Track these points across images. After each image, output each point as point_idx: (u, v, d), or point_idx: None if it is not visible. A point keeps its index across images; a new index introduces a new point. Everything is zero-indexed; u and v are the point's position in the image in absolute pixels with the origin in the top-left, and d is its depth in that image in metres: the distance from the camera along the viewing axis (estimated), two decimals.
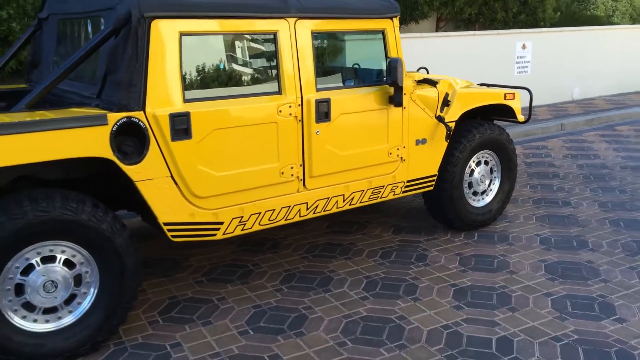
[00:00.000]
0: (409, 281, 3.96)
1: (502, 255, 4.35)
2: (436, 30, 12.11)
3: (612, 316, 3.42)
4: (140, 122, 3.08)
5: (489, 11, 11.16)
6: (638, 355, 3.03)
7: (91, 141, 2.94)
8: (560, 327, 3.32)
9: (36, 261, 2.94)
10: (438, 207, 4.69)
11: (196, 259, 4.37)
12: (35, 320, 2.99)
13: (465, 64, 9.91)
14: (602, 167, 6.93)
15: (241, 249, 4.55)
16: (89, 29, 3.61)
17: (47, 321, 3.03)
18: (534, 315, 3.46)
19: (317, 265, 4.24)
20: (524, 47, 11.18)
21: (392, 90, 4.01)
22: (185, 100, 3.23)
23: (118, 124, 3.01)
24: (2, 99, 4.18)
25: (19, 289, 2.93)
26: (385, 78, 3.97)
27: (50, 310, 3.03)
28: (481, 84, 5.18)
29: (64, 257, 3.01)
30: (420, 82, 4.35)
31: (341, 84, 4.10)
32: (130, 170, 3.09)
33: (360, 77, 4.26)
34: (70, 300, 3.08)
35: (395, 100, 3.96)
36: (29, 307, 2.97)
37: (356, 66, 4.37)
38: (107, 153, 3.00)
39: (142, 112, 3.08)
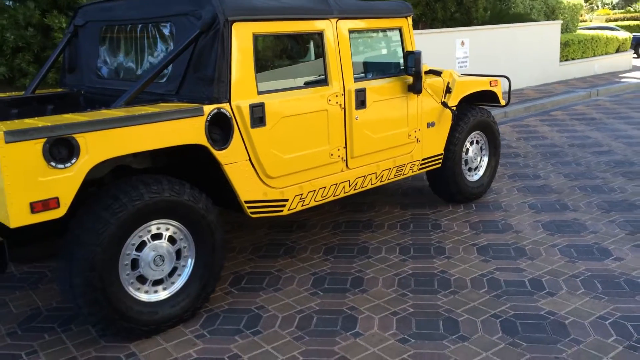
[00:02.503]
0: (435, 245, 4.58)
1: (502, 220, 5.07)
2: None
3: (611, 257, 4.20)
4: (227, 113, 3.51)
5: (430, 11, 12.06)
6: (637, 277, 3.80)
7: (190, 130, 3.35)
8: (574, 267, 4.05)
9: (147, 238, 3.31)
10: (442, 183, 5.36)
11: (241, 241, 4.80)
12: (146, 292, 3.36)
13: None
14: (553, 146, 7.89)
15: (275, 229, 5.02)
16: (153, 33, 3.96)
17: (156, 292, 3.40)
18: (550, 261, 4.18)
19: (350, 239, 4.78)
20: (462, 44, 12.18)
21: (411, 79, 4.62)
22: (259, 93, 3.68)
23: (211, 114, 3.42)
24: (49, 102, 4.43)
25: (134, 264, 3.28)
26: (407, 69, 4.56)
27: (157, 282, 3.40)
28: (464, 74, 5.90)
29: (168, 233, 3.39)
30: (427, 72, 4.99)
31: (370, 75, 4.66)
32: (219, 155, 3.51)
33: (382, 68, 4.84)
34: (172, 272, 3.46)
35: (416, 88, 4.57)
36: (141, 279, 3.34)
37: (379, 59, 4.95)
38: (203, 140, 3.41)
39: (228, 104, 3.52)
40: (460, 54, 12.03)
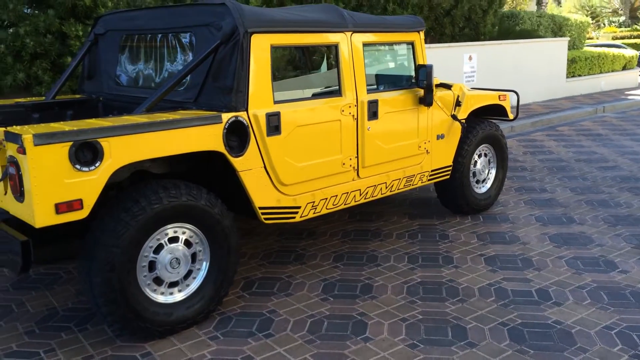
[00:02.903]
0: (443, 254, 4.66)
1: (510, 231, 5.15)
2: None
3: (617, 269, 4.27)
4: (244, 121, 3.61)
5: (439, 26, 12.20)
6: None
7: (209, 137, 3.45)
8: (580, 279, 4.12)
9: (164, 241, 3.40)
10: (450, 194, 5.44)
11: (251, 247, 4.89)
12: (162, 293, 3.44)
13: None
14: (559, 160, 7.97)
15: (285, 237, 5.11)
16: (173, 43, 4.08)
17: (171, 293, 3.48)
18: (557, 272, 4.25)
19: (359, 247, 4.86)
20: (470, 58, 12.31)
21: (421, 92, 4.72)
22: (275, 102, 3.79)
23: (229, 122, 3.53)
24: (68, 108, 4.55)
25: (151, 266, 3.37)
26: (419, 81, 4.66)
27: (173, 284, 3.49)
28: (473, 88, 6.00)
29: (184, 237, 3.48)
30: (438, 85, 5.09)
31: (382, 87, 4.77)
32: (236, 161, 3.61)
33: (394, 81, 4.94)
34: (187, 275, 3.55)
35: (427, 100, 4.67)
36: (158, 281, 3.42)
37: (391, 71, 5.06)
38: (220, 147, 3.51)
39: (245, 112, 3.62)
40: (468, 69, 12.15)
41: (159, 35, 4.21)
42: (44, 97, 4.61)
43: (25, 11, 6.64)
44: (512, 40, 13.22)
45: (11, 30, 6.47)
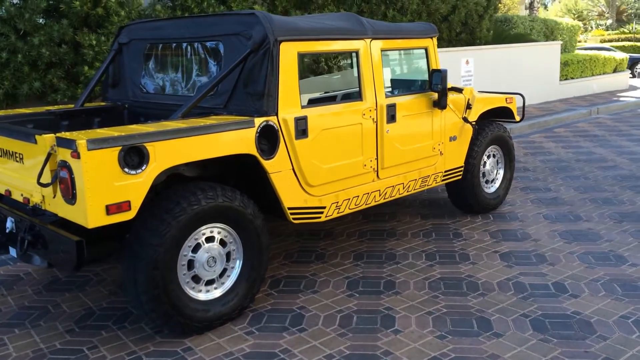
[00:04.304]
0: (459, 252, 4.83)
1: (520, 229, 5.34)
2: None
3: (627, 263, 4.47)
4: (274, 125, 3.77)
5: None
6: None
7: (243, 141, 3.61)
8: (593, 272, 4.31)
9: (202, 241, 3.55)
10: (461, 194, 5.62)
11: (273, 248, 5.04)
12: (200, 291, 3.59)
13: None
14: (560, 161, 8.19)
15: (303, 237, 5.27)
16: (199, 52, 4.23)
17: (208, 291, 3.63)
18: (570, 266, 4.43)
19: (377, 246, 5.03)
20: (467, 62, 12.54)
21: (435, 95, 4.91)
22: (302, 107, 3.96)
23: (261, 126, 3.69)
24: (96, 115, 4.69)
25: (190, 265, 3.52)
26: (433, 85, 4.84)
27: (209, 282, 3.64)
28: (480, 92, 6.19)
29: (219, 237, 3.64)
30: (450, 89, 5.28)
31: (399, 91, 4.95)
32: (267, 164, 3.77)
33: (409, 85, 5.12)
34: (222, 273, 3.70)
35: (441, 103, 4.86)
36: (195, 279, 3.57)
37: (407, 76, 5.24)
38: (253, 150, 3.67)
39: (275, 117, 3.78)
40: (465, 72, 12.38)
41: (185, 44, 4.36)
42: (72, 105, 4.75)
43: (40, 21, 6.76)
44: (506, 45, 13.48)
45: (27, 39, 6.59)
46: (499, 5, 17.85)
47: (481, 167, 5.71)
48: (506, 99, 5.88)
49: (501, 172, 5.97)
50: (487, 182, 5.82)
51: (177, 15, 7.68)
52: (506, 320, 3.63)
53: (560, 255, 4.66)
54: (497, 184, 5.94)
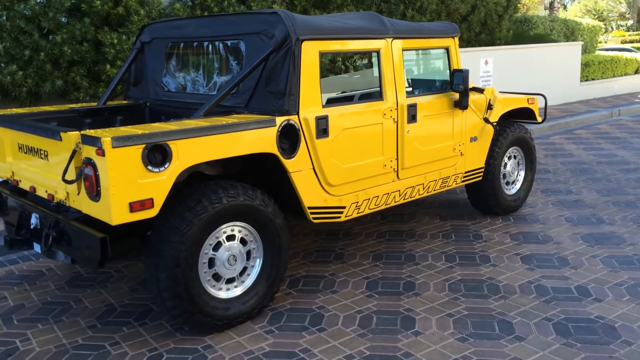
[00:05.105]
0: (479, 253, 4.79)
1: (541, 231, 5.28)
2: None
3: None
4: (295, 124, 3.77)
5: None
6: None
7: (264, 140, 3.61)
8: (617, 276, 4.25)
9: (222, 239, 3.56)
10: (482, 196, 5.58)
11: (291, 247, 5.04)
12: (220, 289, 3.60)
13: None
14: (581, 163, 8.09)
15: (321, 237, 5.26)
16: (221, 50, 4.24)
17: (228, 289, 3.64)
18: (593, 270, 4.38)
19: (396, 247, 5.00)
20: (486, 62, 12.45)
21: (456, 95, 4.87)
22: (323, 106, 3.95)
23: (282, 125, 3.69)
24: (118, 113, 4.72)
25: (210, 263, 3.53)
26: (454, 85, 4.81)
27: (229, 281, 3.64)
28: (501, 92, 6.14)
29: (240, 235, 3.64)
30: (471, 89, 5.24)
31: (419, 91, 4.92)
32: (288, 163, 3.77)
33: (430, 85, 5.09)
34: (242, 272, 3.70)
35: (463, 104, 4.82)
36: (216, 277, 3.58)
37: (427, 76, 5.21)
38: (274, 149, 3.67)
39: (296, 116, 3.78)
40: (483, 73, 12.29)
41: (206, 43, 4.37)
42: (95, 103, 4.79)
43: (63, 20, 6.83)
44: (526, 45, 13.36)
45: (50, 37, 6.66)
46: (518, 5, 17.71)
47: (502, 168, 5.65)
48: (528, 99, 5.82)
49: (522, 173, 5.91)
50: (507, 183, 5.77)
51: (196, 14, 7.71)
52: (528, 324, 3.59)
53: (582, 259, 4.60)
54: (518, 185, 5.88)
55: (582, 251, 4.77)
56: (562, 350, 3.28)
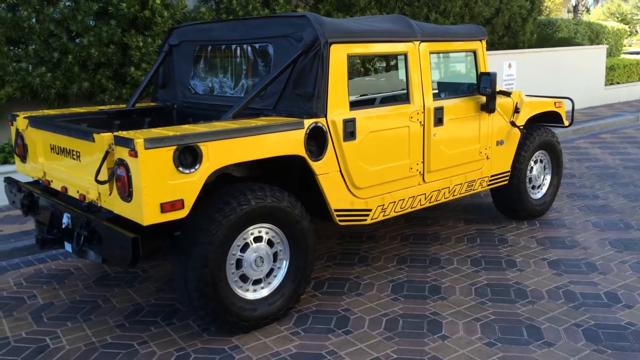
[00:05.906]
0: (505, 258, 4.76)
1: (568, 236, 5.22)
2: None
3: None
4: (323, 127, 3.78)
5: None
6: None
7: (292, 142, 3.62)
8: None
9: (250, 240, 3.58)
10: (508, 200, 5.53)
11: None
12: (247, 290, 3.61)
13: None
14: (607, 167, 7.98)
15: (345, 240, 5.26)
16: (249, 53, 4.27)
17: (255, 290, 3.65)
18: (622, 276, 4.32)
19: (421, 250, 4.98)
20: (509, 66, 12.35)
21: (483, 99, 4.84)
22: (351, 109, 3.95)
23: (310, 128, 3.70)
24: (146, 115, 4.78)
25: (238, 264, 3.55)
26: (481, 89, 4.78)
27: (256, 282, 3.66)
28: (528, 95, 6.09)
29: (267, 237, 3.66)
30: (498, 93, 5.20)
31: (446, 94, 4.90)
32: (315, 165, 3.78)
33: (457, 88, 5.07)
34: (269, 273, 3.72)
35: (490, 107, 4.79)
36: (243, 278, 3.60)
37: (454, 79, 5.19)
38: (302, 151, 3.68)
39: (324, 119, 3.79)
40: (506, 76, 12.19)
41: (234, 46, 4.41)
42: (124, 105, 4.85)
43: (90, 23, 6.93)
44: (550, 48, 13.22)
45: (77, 40, 6.76)
46: (542, 8, 17.55)
47: (528, 172, 5.60)
48: (555, 102, 5.77)
49: (548, 177, 5.86)
50: (533, 187, 5.72)
51: (221, 17, 7.77)
52: (557, 330, 3.56)
53: (611, 264, 4.54)
54: (544, 189, 5.82)
55: (611, 257, 4.70)
56: (592, 357, 3.24)
